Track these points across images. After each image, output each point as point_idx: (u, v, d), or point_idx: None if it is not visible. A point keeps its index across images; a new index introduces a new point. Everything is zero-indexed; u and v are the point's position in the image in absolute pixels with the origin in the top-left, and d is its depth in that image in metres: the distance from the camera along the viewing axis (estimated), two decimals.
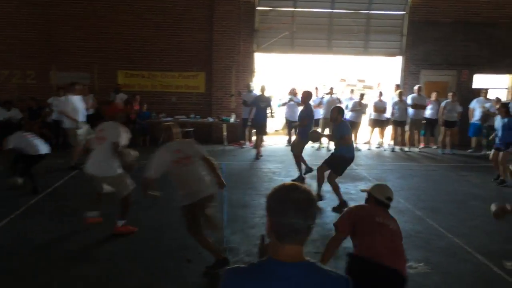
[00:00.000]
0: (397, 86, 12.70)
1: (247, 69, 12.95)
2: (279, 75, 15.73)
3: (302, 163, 8.77)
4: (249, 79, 12.81)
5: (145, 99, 12.11)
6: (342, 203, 6.91)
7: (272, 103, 11.53)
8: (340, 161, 7.07)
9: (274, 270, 1.58)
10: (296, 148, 8.70)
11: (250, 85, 12.29)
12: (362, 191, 4.02)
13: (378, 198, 3.68)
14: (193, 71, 12.84)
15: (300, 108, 12.41)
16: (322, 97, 12.34)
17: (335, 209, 6.87)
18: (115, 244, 5.36)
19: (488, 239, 5.83)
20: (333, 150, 7.41)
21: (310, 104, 8.92)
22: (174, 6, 12.50)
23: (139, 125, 11.89)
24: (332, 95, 12.18)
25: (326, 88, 12.76)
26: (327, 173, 7.16)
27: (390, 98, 12.35)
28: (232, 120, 12.29)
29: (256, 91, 11.74)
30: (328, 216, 6.59)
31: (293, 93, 12.44)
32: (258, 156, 10.81)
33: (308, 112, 8.66)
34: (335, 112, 7.21)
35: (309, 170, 8.74)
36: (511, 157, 8.82)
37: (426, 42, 12.92)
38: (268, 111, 11.22)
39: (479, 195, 8.04)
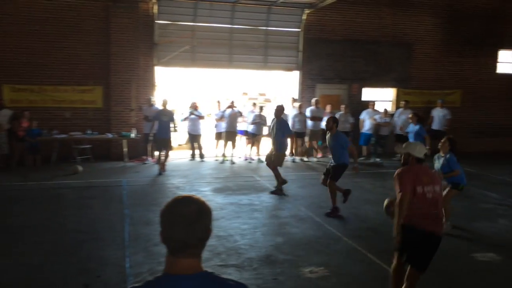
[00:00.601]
0: (294, 99, 13.34)
1: (148, 83, 12.66)
2: (181, 89, 15.59)
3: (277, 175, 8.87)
4: (150, 93, 12.55)
5: (35, 115, 11.24)
6: (334, 209, 7.45)
7: (175, 117, 11.39)
8: (342, 169, 7.53)
9: (169, 285, 1.55)
10: (277, 162, 8.81)
11: (151, 99, 12.04)
12: (399, 152, 4.46)
13: (418, 157, 4.26)
14: (89, 85, 12.25)
15: (202, 121, 12.53)
16: (224, 111, 12.47)
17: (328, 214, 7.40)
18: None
19: (378, 240, 6.30)
20: (332, 161, 7.66)
21: (283, 118, 9.17)
22: (65, 17, 11.81)
23: (28, 143, 11.01)
24: (234, 109, 12.37)
25: (228, 102, 12.92)
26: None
27: (290, 111, 12.89)
28: (132, 135, 11.90)
29: (159, 105, 11.53)
30: (232, 228, 6.64)
31: (194, 107, 12.42)
32: (161, 171, 10.58)
33: (286, 125, 8.99)
34: (330, 121, 7.58)
35: (283, 182, 8.91)
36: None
37: (320, 58, 13.73)
38: (172, 125, 11.06)
39: (370, 199, 8.67)
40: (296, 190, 9.34)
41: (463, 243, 6.33)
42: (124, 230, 6.41)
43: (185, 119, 12.49)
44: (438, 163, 6.66)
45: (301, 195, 8.92)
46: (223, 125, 12.31)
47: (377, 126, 12.73)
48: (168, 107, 11.00)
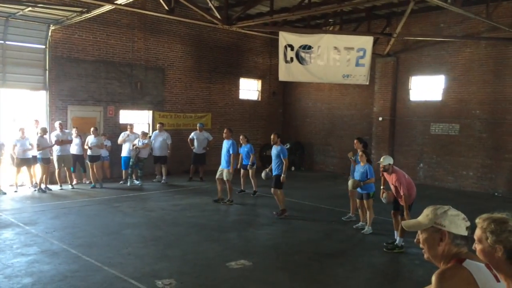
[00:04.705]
0: (37, 122, 12.16)
1: None
2: None
3: None
4: None
5: None
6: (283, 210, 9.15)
7: None
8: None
9: None
10: None
11: None
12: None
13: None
14: None
15: None
16: None
17: None
18: None
19: (141, 263, 6.18)
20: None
21: None
22: None
23: None
24: None
25: None
26: None
27: (34, 134, 11.62)
28: None
29: None
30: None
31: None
32: None
33: None
34: (276, 137, 9.25)
35: None
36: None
37: (72, 78, 12.83)
38: None
39: (131, 223, 8.48)
40: (48, 222, 8.39)
41: (218, 253, 6.77)
42: None
43: None
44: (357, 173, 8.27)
45: (54, 226, 8.05)
46: None
47: (136, 149, 12.61)
48: None
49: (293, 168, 17.07)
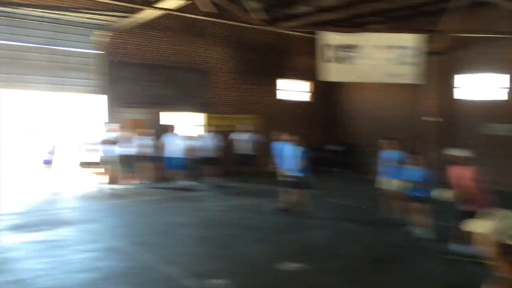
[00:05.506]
0: (105, 125, 12.78)
1: None
2: None
3: None
4: None
5: None
6: None
7: None
8: None
9: None
10: None
11: None
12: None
13: None
14: None
15: None
16: None
17: None
18: None
19: (193, 262, 6.33)
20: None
21: None
22: None
23: None
24: None
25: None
26: None
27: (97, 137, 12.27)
28: None
29: None
30: (28, 270, 5.81)
31: None
32: None
33: None
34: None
35: None
36: None
37: (125, 82, 13.34)
38: None
39: (181, 222, 8.67)
40: (106, 220, 8.78)
41: (270, 255, 6.70)
42: None
43: None
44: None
45: (112, 224, 8.42)
46: None
47: (188, 150, 12.89)
48: None
49: (334, 170, 16.62)
